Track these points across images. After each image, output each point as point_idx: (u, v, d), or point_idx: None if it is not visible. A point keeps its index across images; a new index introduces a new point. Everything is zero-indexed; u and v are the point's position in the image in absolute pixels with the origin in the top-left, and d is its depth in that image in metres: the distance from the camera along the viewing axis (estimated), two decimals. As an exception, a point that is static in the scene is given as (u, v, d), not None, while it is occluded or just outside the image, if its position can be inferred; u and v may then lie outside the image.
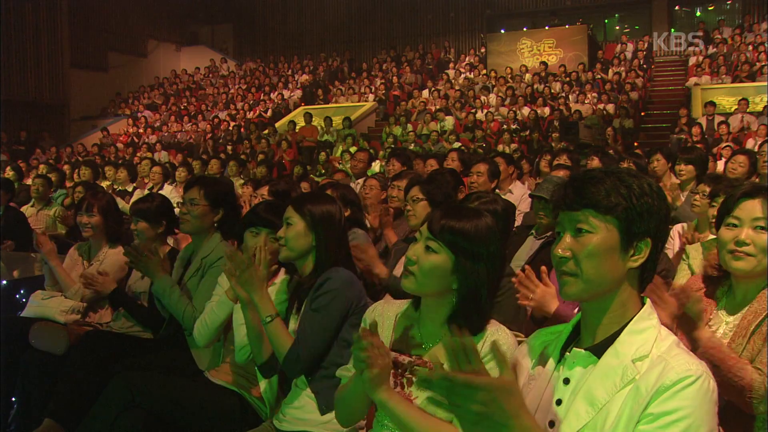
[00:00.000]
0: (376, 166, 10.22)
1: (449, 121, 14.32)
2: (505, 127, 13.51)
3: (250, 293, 2.24)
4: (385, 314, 1.94)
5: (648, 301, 1.39)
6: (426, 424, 1.66)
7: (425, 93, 16.69)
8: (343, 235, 2.44)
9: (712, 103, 12.92)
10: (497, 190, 5.10)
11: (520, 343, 1.68)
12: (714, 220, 2.31)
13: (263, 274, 2.27)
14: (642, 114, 14.92)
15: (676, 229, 3.96)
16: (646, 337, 1.34)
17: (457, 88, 16.51)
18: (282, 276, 2.70)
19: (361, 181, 6.17)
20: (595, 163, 5.74)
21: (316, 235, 2.34)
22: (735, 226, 1.96)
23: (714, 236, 2.37)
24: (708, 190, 3.64)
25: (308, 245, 2.35)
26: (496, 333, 1.76)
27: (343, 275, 2.31)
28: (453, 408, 1.18)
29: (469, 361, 1.27)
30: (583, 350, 1.38)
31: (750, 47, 15.31)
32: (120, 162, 11.65)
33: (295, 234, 2.35)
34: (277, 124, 16.20)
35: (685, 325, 1.84)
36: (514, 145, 12.01)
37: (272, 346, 2.26)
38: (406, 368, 1.84)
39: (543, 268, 2.35)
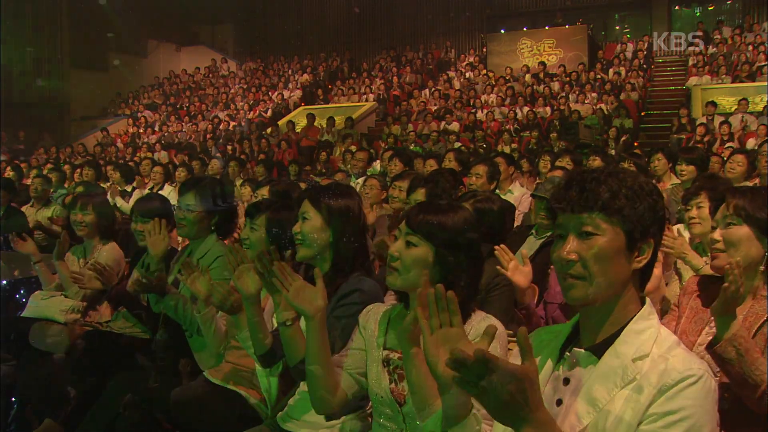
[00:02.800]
0: (376, 166, 10.22)
1: (454, 125, 14.31)
2: (506, 127, 13.50)
3: (274, 294, 2.02)
4: (377, 315, 1.95)
5: (648, 301, 1.39)
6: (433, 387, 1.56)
7: (425, 93, 16.68)
8: (363, 233, 2.32)
9: (713, 103, 12.92)
10: (497, 191, 5.10)
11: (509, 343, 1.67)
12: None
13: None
14: (642, 114, 14.91)
15: (677, 229, 3.94)
16: (646, 337, 1.34)
17: (457, 88, 16.51)
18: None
19: (361, 180, 6.17)
20: (597, 163, 5.71)
21: (334, 231, 2.22)
22: (714, 228, 2.10)
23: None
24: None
25: (326, 242, 2.22)
26: (483, 321, 1.78)
27: (373, 288, 2.21)
28: (479, 394, 1.14)
29: (448, 311, 1.38)
30: (583, 350, 1.38)
31: (750, 47, 15.30)
32: (119, 162, 11.64)
33: (312, 229, 2.22)
34: (278, 124, 16.20)
35: (726, 309, 1.85)
36: (514, 145, 12.01)
37: (285, 349, 2.08)
38: (398, 365, 1.86)
39: (524, 251, 2.65)
